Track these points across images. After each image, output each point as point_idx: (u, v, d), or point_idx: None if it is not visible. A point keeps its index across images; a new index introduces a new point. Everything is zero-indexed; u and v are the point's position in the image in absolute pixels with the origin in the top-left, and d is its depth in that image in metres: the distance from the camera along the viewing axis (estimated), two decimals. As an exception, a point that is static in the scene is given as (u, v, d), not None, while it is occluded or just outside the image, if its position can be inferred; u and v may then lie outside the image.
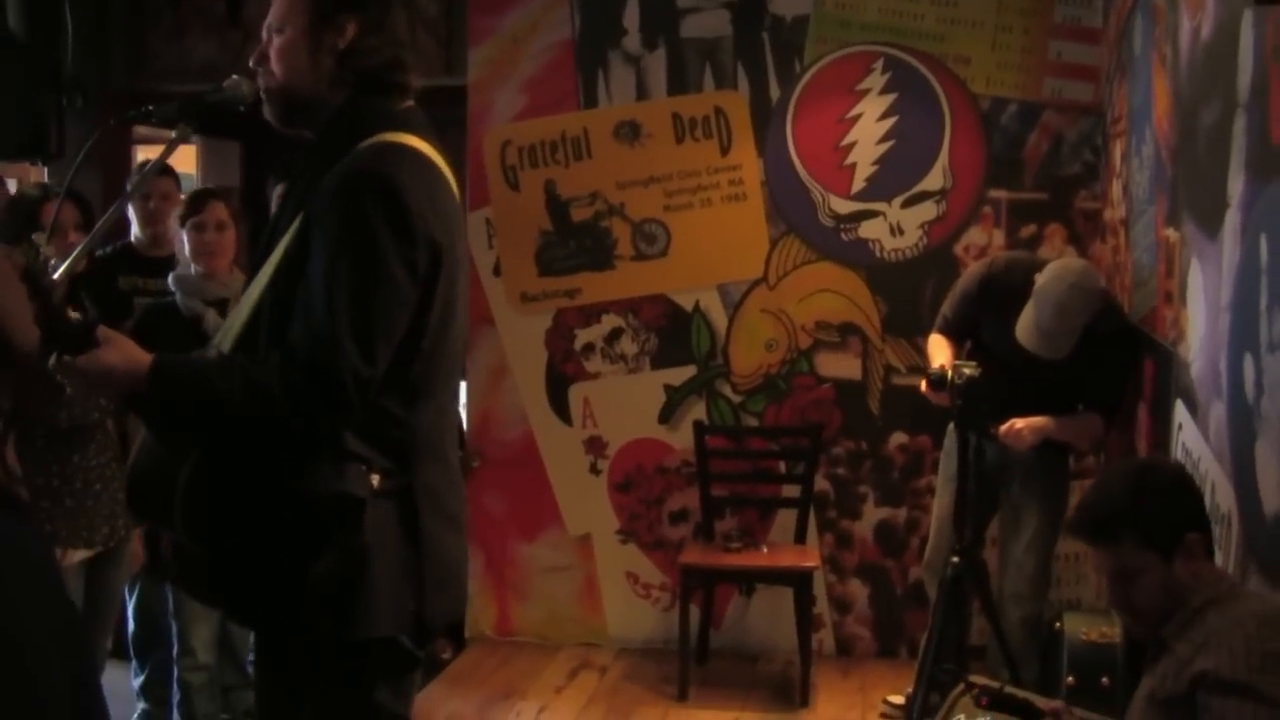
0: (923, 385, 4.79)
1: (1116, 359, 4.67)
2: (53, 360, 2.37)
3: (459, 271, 2.59)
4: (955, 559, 4.55)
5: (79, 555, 3.81)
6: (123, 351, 2.41)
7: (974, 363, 4.58)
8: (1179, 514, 2.70)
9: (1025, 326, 4.58)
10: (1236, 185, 3.44)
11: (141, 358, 2.41)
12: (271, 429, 2.41)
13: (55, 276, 2.67)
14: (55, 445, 3.76)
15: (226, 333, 2.55)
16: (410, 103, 2.67)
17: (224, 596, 2.65)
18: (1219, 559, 3.34)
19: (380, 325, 2.41)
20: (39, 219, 3.68)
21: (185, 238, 4.11)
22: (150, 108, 2.84)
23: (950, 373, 4.54)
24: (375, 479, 2.48)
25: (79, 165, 2.91)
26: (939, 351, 4.90)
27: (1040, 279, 4.55)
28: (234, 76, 2.72)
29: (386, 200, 2.42)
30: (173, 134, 2.71)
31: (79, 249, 2.78)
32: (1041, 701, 2.99)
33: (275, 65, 2.61)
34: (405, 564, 2.53)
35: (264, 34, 2.64)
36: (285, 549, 2.46)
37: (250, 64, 2.66)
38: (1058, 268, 4.59)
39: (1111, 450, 5.28)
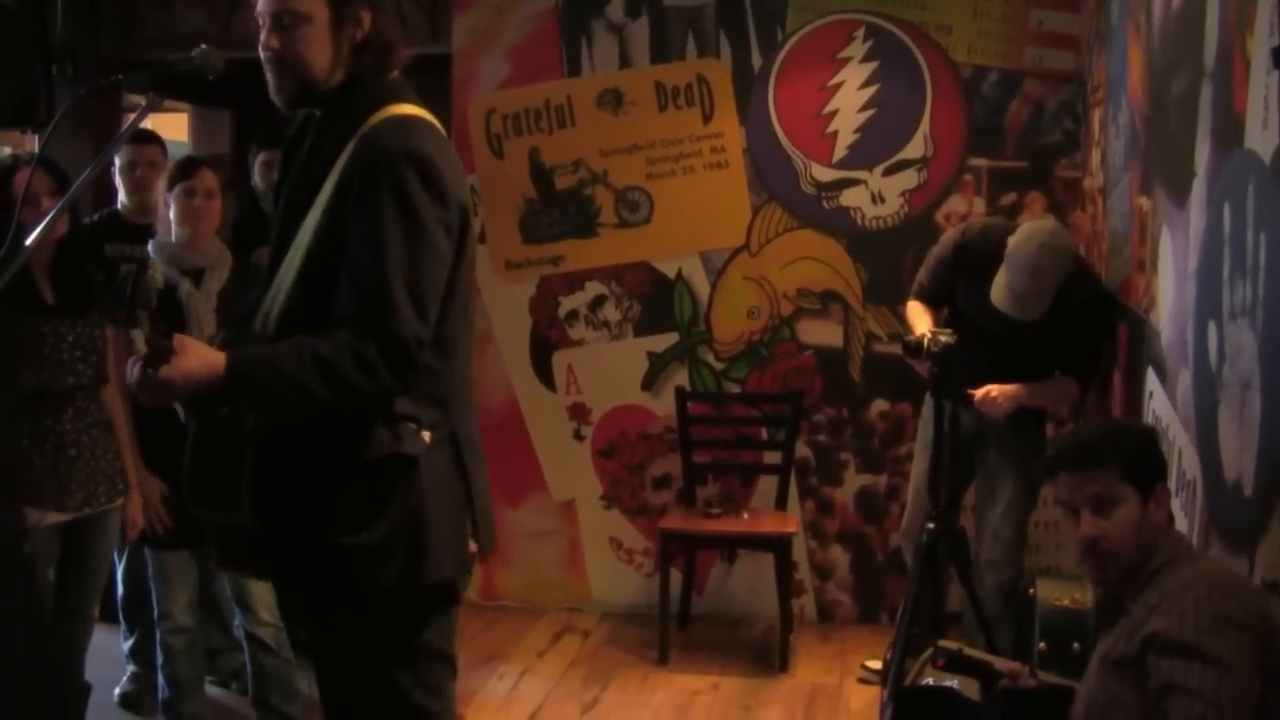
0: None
1: (1091, 324, 4.70)
2: (137, 375, 2.45)
3: (472, 225, 2.74)
4: (931, 525, 4.59)
5: (51, 518, 3.83)
6: (198, 354, 2.48)
7: (950, 330, 4.61)
8: (1155, 460, 2.75)
9: (999, 289, 4.61)
10: (1203, 154, 3.46)
11: (216, 357, 2.48)
12: (348, 403, 2.53)
13: (29, 241, 2.71)
14: (27, 407, 3.78)
15: (267, 317, 2.64)
16: (395, 72, 2.77)
17: (283, 566, 2.74)
18: (1184, 525, 3.39)
19: (430, 286, 2.57)
20: (11, 188, 3.69)
21: (172, 202, 4.12)
22: (120, 77, 2.87)
23: (927, 340, 4.56)
24: (426, 435, 2.63)
25: (51, 133, 2.94)
26: (919, 318, 4.93)
27: (1011, 241, 4.58)
28: (202, 46, 2.74)
29: (422, 171, 2.56)
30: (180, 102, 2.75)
31: (54, 211, 2.82)
32: (1001, 663, 3.03)
33: (292, 55, 2.65)
34: (459, 508, 2.72)
35: (265, 20, 2.66)
36: (351, 512, 2.60)
37: (259, 47, 2.68)
38: (1027, 229, 4.63)
39: (1088, 417, 5.31)
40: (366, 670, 2.74)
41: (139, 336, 2.35)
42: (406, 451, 2.61)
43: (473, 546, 2.77)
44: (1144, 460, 2.72)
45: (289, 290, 2.62)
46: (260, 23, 2.67)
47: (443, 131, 2.75)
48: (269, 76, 2.70)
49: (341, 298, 2.54)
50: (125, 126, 3.24)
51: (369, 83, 2.70)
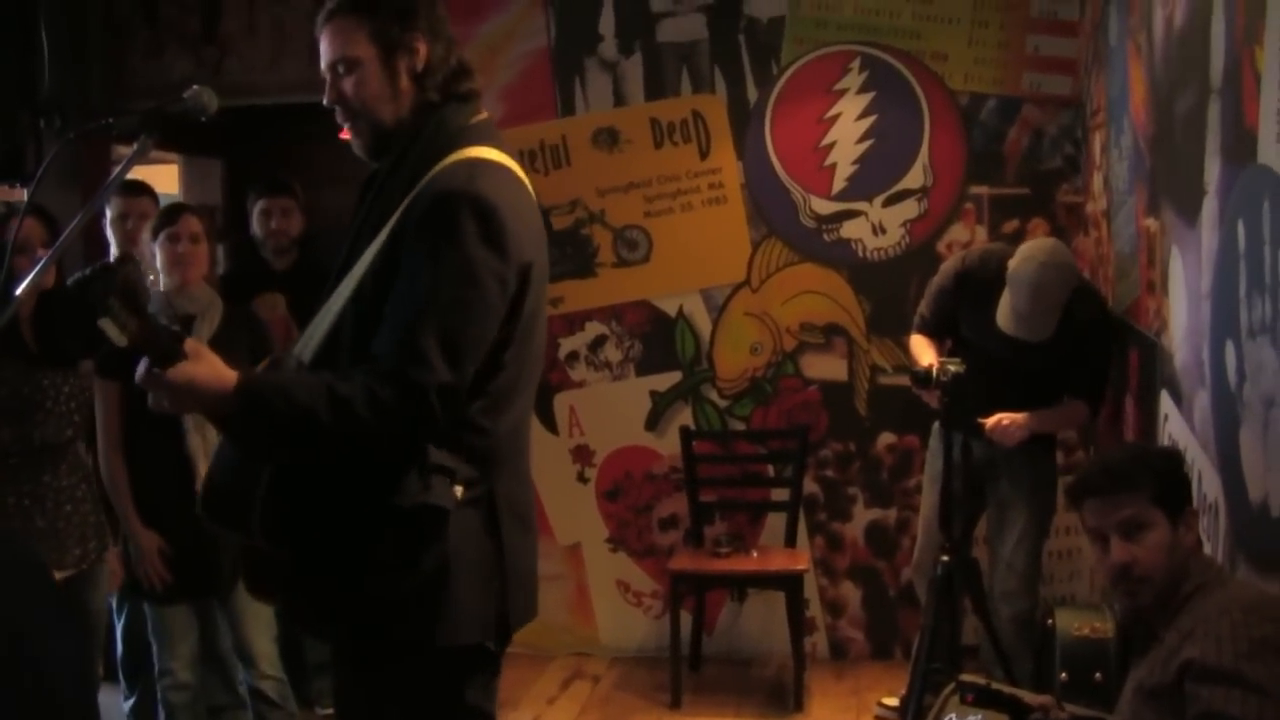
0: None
1: (1097, 345, 4.67)
2: (142, 371, 2.36)
3: (543, 285, 2.62)
4: (945, 558, 4.52)
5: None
6: (210, 366, 2.39)
7: (959, 359, 4.56)
8: (1182, 483, 2.69)
9: (1004, 312, 4.58)
10: (1213, 171, 3.41)
11: (227, 374, 2.39)
12: (357, 443, 2.43)
13: (20, 290, 2.65)
14: (28, 464, 3.71)
15: (306, 344, 2.57)
16: (484, 115, 2.69)
17: (301, 607, 2.67)
18: (1208, 548, 3.32)
19: (470, 340, 2.44)
20: (2, 236, 3.63)
21: (157, 250, 4.07)
22: (111, 120, 2.81)
23: (935, 370, 4.52)
24: (459, 490, 2.51)
25: (39, 182, 2.88)
26: (923, 351, 4.87)
27: (1012, 263, 4.56)
28: (194, 87, 2.68)
29: (483, 218, 2.44)
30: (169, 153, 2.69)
31: (44, 261, 2.75)
32: (1029, 697, 2.95)
33: (356, 101, 2.60)
34: (488, 571, 2.57)
35: (326, 73, 2.62)
36: (370, 559, 2.50)
37: (325, 104, 2.64)
38: (1027, 248, 4.60)
39: (1100, 446, 5.25)
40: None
41: (109, 326, 2.23)
42: (434, 503, 2.49)
43: None
44: (1172, 483, 2.66)
45: (333, 320, 2.54)
46: (324, 78, 2.63)
47: (522, 178, 2.63)
48: (347, 131, 2.65)
49: (379, 336, 2.45)
50: (115, 173, 3.19)
51: (447, 115, 2.60)
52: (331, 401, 2.36)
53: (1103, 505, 2.66)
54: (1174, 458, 2.80)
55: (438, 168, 2.52)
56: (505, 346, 2.53)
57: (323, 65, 2.62)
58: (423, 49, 2.58)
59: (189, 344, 2.37)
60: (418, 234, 2.45)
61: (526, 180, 2.66)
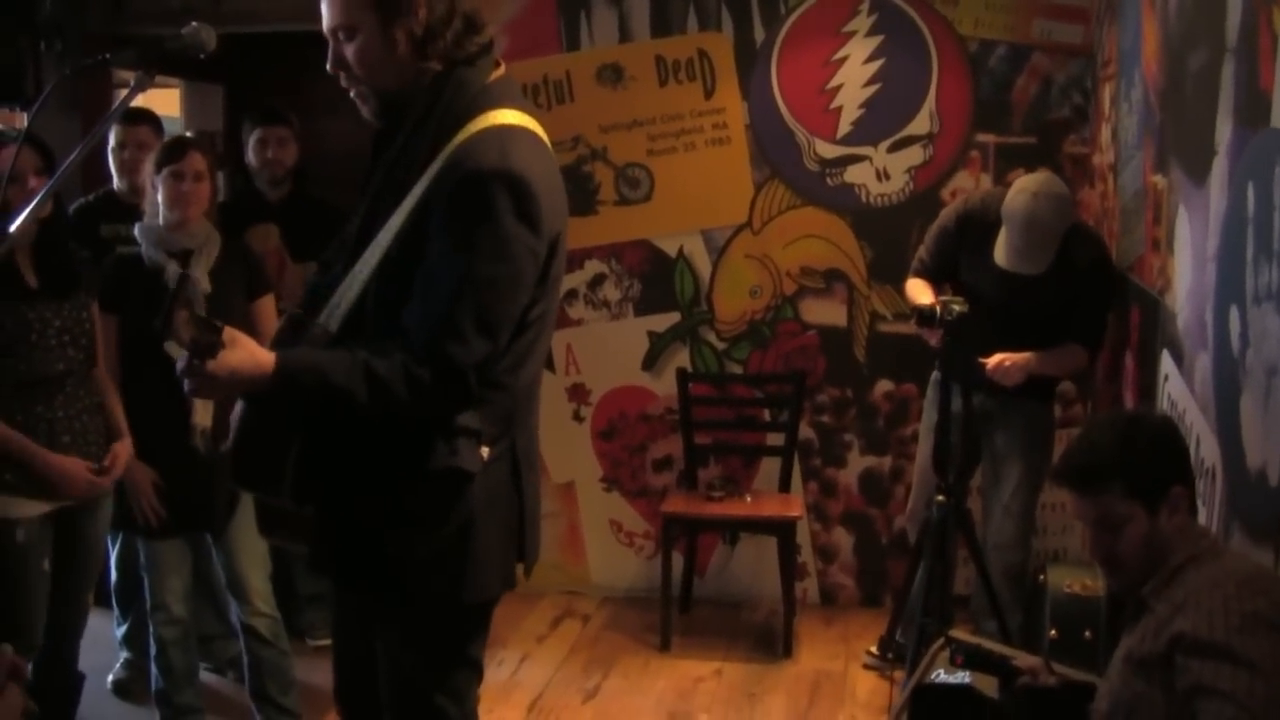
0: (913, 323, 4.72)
1: (1096, 287, 4.68)
2: (183, 365, 2.38)
3: (565, 248, 2.64)
4: (940, 498, 4.51)
5: (43, 507, 3.73)
6: (247, 351, 2.41)
7: (961, 299, 4.53)
8: (1165, 466, 2.66)
9: (1002, 249, 4.61)
10: (1224, 132, 3.36)
11: (264, 357, 2.41)
12: (395, 419, 2.48)
13: (17, 223, 2.62)
14: (20, 395, 3.67)
15: (332, 312, 2.56)
16: (501, 69, 2.64)
17: (325, 559, 2.71)
18: (1203, 513, 3.31)
19: (505, 314, 2.48)
20: None
21: (159, 184, 4.01)
22: (108, 55, 2.76)
23: (939, 309, 4.49)
24: (485, 451, 2.55)
25: (39, 110, 2.84)
26: (921, 294, 4.85)
27: (1006, 198, 4.59)
28: (193, 24, 2.64)
29: (519, 195, 2.44)
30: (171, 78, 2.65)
31: (42, 193, 2.72)
32: (1020, 659, 2.95)
33: (359, 69, 2.56)
34: (512, 523, 2.66)
35: (328, 37, 2.57)
36: (399, 518, 2.55)
37: (328, 69, 2.59)
38: (1019, 183, 4.64)
39: (1098, 400, 5.24)
40: (394, 667, 2.69)
41: (173, 348, 2.27)
42: (462, 466, 2.53)
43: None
44: (1151, 470, 2.63)
45: (360, 289, 2.53)
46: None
47: (545, 141, 2.61)
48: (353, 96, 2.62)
49: (412, 310, 2.46)
50: (115, 105, 3.14)
51: (464, 77, 2.55)
52: (369, 382, 2.40)
53: (1077, 500, 2.68)
54: (1160, 436, 2.73)
55: (462, 135, 2.48)
56: (530, 308, 2.55)
57: (324, 28, 2.57)
58: (422, 12, 2.51)
59: (227, 332, 2.38)
60: (452, 212, 2.44)
61: (547, 140, 2.63)
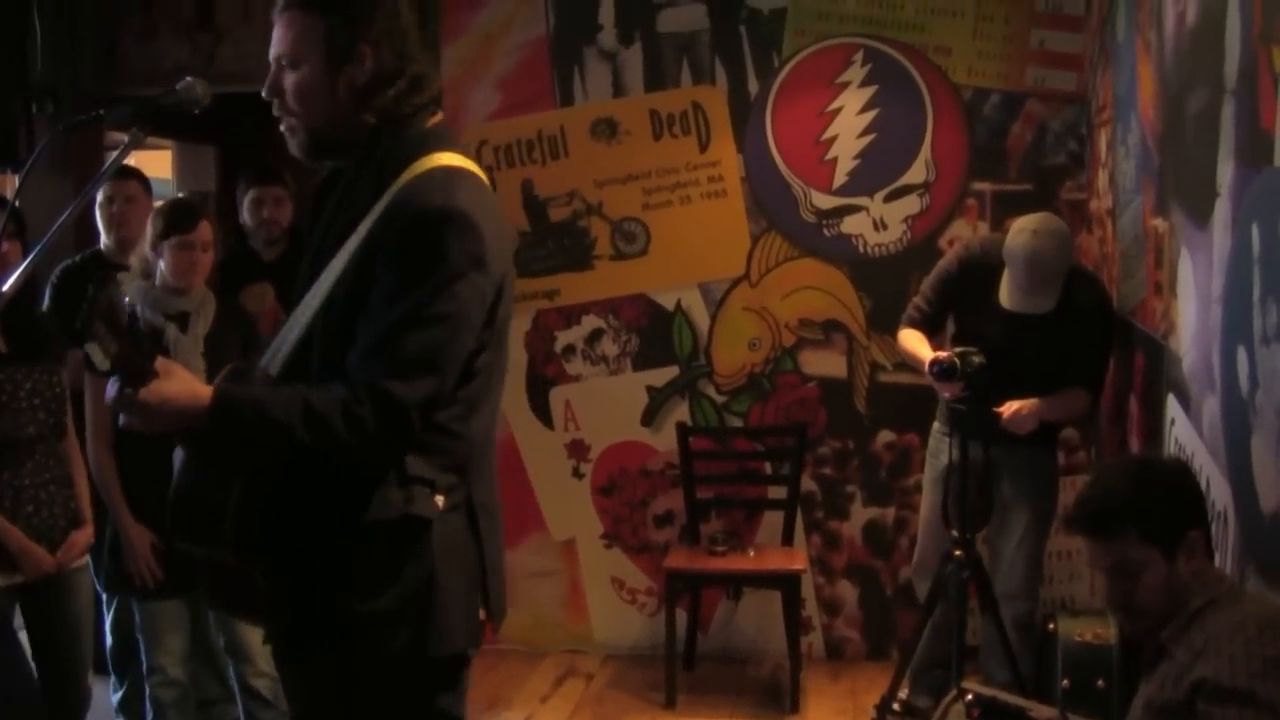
0: (927, 375, 4.65)
1: (1097, 330, 4.66)
2: (113, 393, 2.31)
3: (512, 290, 2.58)
4: (958, 552, 4.45)
5: (4, 579, 3.67)
6: (182, 383, 2.34)
7: (977, 349, 4.48)
8: (1181, 510, 2.63)
9: (1007, 290, 4.60)
10: (1226, 173, 3.35)
11: (202, 389, 2.35)
12: (333, 459, 2.39)
13: (7, 286, 2.58)
14: None
15: (274, 354, 2.51)
16: (439, 117, 2.60)
17: (279, 621, 2.59)
18: (1216, 558, 3.26)
19: (451, 354, 2.40)
20: None
21: (165, 251, 3.97)
22: (101, 112, 2.74)
23: (959, 361, 4.43)
24: (440, 500, 2.47)
25: (30, 171, 2.82)
26: (919, 345, 4.80)
27: (1006, 240, 4.59)
28: (187, 79, 2.62)
29: (466, 234, 2.39)
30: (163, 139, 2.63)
31: (31, 255, 2.67)
32: (1036, 710, 2.90)
33: (293, 103, 2.52)
34: (472, 576, 2.54)
35: (272, 64, 2.53)
36: (353, 573, 2.44)
37: (263, 95, 2.55)
38: (1018, 224, 4.63)
39: (1103, 446, 5.20)
40: None
41: (94, 350, 2.18)
42: (418, 514, 2.44)
43: (482, 614, 2.61)
44: (1167, 515, 2.60)
45: (301, 331, 2.48)
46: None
47: (486, 183, 2.58)
48: (282, 127, 2.58)
49: (355, 350, 2.40)
50: (108, 164, 3.12)
51: (401, 128, 2.52)
52: (308, 417, 2.32)
53: (1091, 547, 2.64)
54: (1175, 480, 2.71)
55: (407, 175, 2.45)
56: (478, 354, 2.49)
57: (270, 54, 2.54)
58: (369, 63, 2.48)
59: (160, 362, 2.32)
60: (399, 251, 2.39)
61: (489, 185, 2.60)
